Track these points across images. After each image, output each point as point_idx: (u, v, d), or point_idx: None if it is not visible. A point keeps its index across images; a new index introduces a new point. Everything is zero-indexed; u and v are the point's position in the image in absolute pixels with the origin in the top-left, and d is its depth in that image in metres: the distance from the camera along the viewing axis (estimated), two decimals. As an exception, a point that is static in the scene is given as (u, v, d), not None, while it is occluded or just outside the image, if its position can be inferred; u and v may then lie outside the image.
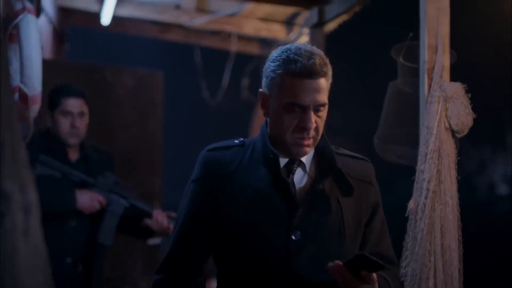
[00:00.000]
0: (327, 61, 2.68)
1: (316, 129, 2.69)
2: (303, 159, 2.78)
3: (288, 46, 2.70)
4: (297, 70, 2.60)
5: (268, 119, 2.77)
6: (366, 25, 7.94)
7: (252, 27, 7.82)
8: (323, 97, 2.66)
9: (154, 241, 6.22)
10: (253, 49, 8.45)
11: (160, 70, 6.49)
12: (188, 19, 7.50)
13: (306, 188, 2.75)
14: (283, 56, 2.65)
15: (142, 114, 6.49)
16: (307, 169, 2.78)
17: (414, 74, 4.63)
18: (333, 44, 7.04)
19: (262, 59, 8.47)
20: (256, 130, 7.40)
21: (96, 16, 7.22)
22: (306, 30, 7.20)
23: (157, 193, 6.52)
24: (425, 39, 4.43)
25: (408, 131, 4.75)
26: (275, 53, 2.71)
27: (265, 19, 7.86)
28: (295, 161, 2.76)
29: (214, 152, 2.81)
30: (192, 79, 8.12)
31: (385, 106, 4.85)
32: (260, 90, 2.77)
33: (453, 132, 4.27)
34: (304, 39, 7.47)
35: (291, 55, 2.63)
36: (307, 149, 2.71)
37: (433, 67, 4.36)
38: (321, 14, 6.78)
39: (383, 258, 2.79)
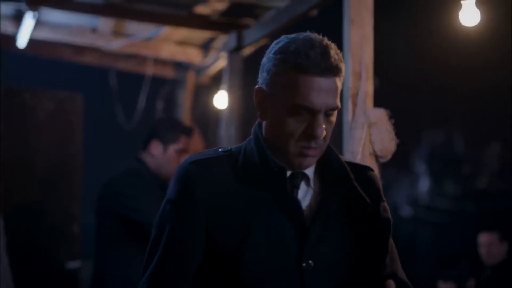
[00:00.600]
0: (341, 56, 2.25)
1: (325, 137, 2.24)
2: (307, 171, 2.30)
3: (295, 35, 2.25)
4: (308, 65, 2.15)
5: (264, 123, 2.30)
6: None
7: (168, 51, 7.81)
8: (337, 100, 2.22)
9: (73, 264, 6.12)
10: (168, 72, 8.45)
11: (79, 93, 6.44)
12: (105, 42, 7.44)
13: (312, 206, 2.28)
14: (291, 48, 2.18)
15: (62, 137, 6.45)
16: (311, 183, 2.32)
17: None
18: (251, 69, 7.09)
19: (176, 83, 8.49)
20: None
21: (12, 38, 7.08)
22: (223, 54, 7.24)
23: (76, 216, 6.47)
24: (349, 66, 4.51)
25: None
26: (278, 43, 2.25)
27: (181, 43, 7.87)
28: (298, 174, 2.29)
29: (198, 165, 2.25)
30: (107, 102, 8.05)
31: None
32: (257, 87, 2.29)
33: (376, 158, 4.36)
34: (221, 63, 7.51)
35: (301, 47, 2.17)
36: (312, 160, 2.26)
37: (357, 93, 4.45)
38: (239, 38, 6.83)
39: (401, 283, 2.40)
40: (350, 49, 4.49)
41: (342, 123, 4.56)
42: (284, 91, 2.19)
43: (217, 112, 7.77)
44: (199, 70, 8.29)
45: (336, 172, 2.32)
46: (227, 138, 7.15)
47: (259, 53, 7.01)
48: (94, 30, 7.39)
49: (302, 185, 2.31)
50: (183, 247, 2.21)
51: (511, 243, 8.05)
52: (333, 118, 2.26)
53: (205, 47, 7.95)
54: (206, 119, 8.63)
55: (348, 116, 4.48)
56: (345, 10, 4.55)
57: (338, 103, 2.23)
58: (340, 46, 4.58)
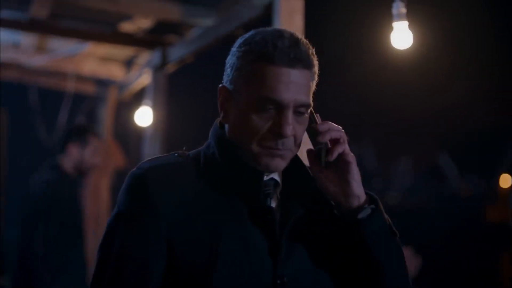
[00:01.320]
0: (314, 51, 2.00)
1: (295, 139, 1.96)
2: (276, 177, 2.03)
3: (262, 28, 2.02)
4: (275, 55, 1.90)
5: (227, 125, 2.04)
6: (211, 67, 8.13)
7: (90, 67, 7.80)
8: (307, 96, 1.96)
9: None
10: (90, 88, 8.43)
11: (3, 108, 6.37)
12: (27, 58, 7.38)
13: (279, 213, 2.01)
14: (256, 38, 1.95)
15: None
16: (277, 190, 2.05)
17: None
18: (175, 86, 7.18)
19: (98, 99, 8.47)
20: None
21: None
22: (147, 71, 7.28)
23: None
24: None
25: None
26: (243, 37, 2.03)
27: (104, 59, 7.87)
28: (269, 182, 2.02)
29: (155, 171, 1.94)
30: (29, 118, 7.97)
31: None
32: (220, 86, 2.03)
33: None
34: (144, 80, 7.54)
35: (268, 36, 1.93)
36: (281, 162, 1.96)
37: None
38: (164, 55, 6.89)
39: None
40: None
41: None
42: (248, 84, 1.94)
43: (139, 128, 7.77)
44: (121, 86, 8.30)
45: (298, 175, 2.05)
46: (151, 156, 7.17)
47: (184, 70, 7.12)
48: (16, 46, 7.33)
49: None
50: (141, 267, 1.88)
51: (423, 259, 8.22)
52: (304, 119, 1.98)
53: (128, 63, 7.96)
54: (128, 135, 8.62)
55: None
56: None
57: (310, 101, 1.97)
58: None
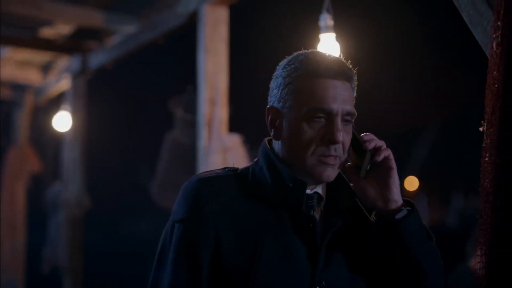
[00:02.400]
0: (351, 66, 2.17)
1: (343, 146, 2.10)
2: (319, 189, 2.17)
3: (300, 52, 2.18)
4: (320, 69, 2.08)
5: (277, 142, 2.16)
6: (132, 74, 8.14)
7: (7, 72, 7.70)
8: (352, 105, 2.12)
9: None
10: (5, 93, 8.33)
11: None
12: None
13: (321, 225, 2.15)
14: (300, 58, 2.12)
15: None
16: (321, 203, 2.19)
17: (192, 125, 4.92)
18: (95, 91, 7.19)
19: (14, 104, 8.38)
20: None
21: None
22: (66, 76, 7.25)
23: None
24: (204, 93, 4.72)
25: (184, 179, 5.00)
26: (284, 61, 2.16)
27: (21, 64, 7.79)
28: (313, 195, 2.14)
29: (207, 183, 2.11)
30: None
31: (163, 155, 5.09)
32: (268, 107, 2.16)
33: (231, 181, 4.57)
34: (63, 85, 7.50)
35: (310, 55, 2.12)
36: (333, 171, 2.10)
37: (212, 120, 4.67)
38: (84, 61, 6.89)
39: None
40: (206, 77, 4.70)
41: (197, 148, 4.77)
42: (298, 99, 2.08)
43: (57, 133, 7.73)
44: (38, 91, 8.23)
45: (338, 188, 2.19)
46: (72, 161, 7.15)
47: (105, 77, 7.13)
48: None
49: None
50: (195, 270, 2.06)
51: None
52: (350, 128, 2.12)
53: (45, 68, 7.90)
54: (45, 140, 8.56)
55: (203, 141, 4.68)
56: (200, 40, 4.76)
57: (354, 110, 2.12)
58: (194, 74, 4.85)
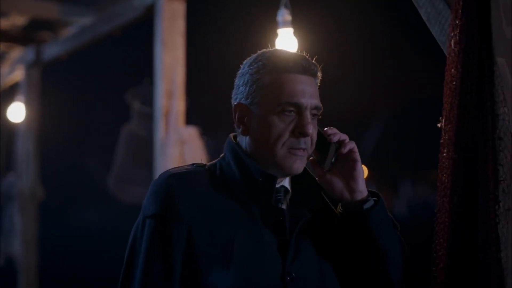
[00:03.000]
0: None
1: (312, 140, 2.16)
2: (286, 184, 2.22)
3: (264, 50, 2.23)
4: (289, 64, 2.14)
5: (245, 138, 2.19)
6: (88, 65, 8.09)
7: (-41, 62, 7.60)
8: (318, 100, 2.17)
9: None
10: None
11: None
12: None
13: (289, 218, 2.17)
14: (267, 55, 2.17)
15: None
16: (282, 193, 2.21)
17: (149, 118, 4.91)
18: (50, 83, 7.12)
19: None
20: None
21: None
22: (20, 66, 7.18)
23: None
24: (161, 86, 4.72)
25: (141, 171, 5.02)
26: (249, 59, 2.21)
27: (-26, 55, 7.69)
28: (280, 188, 2.18)
29: (178, 179, 2.12)
30: None
31: (120, 147, 5.07)
32: (235, 103, 2.20)
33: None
34: (18, 75, 7.42)
35: (276, 52, 2.18)
36: (301, 164, 2.15)
37: (169, 112, 4.67)
38: (38, 52, 6.82)
39: None
40: (162, 70, 4.69)
41: (154, 141, 4.76)
42: (268, 94, 2.13)
43: (10, 124, 7.65)
44: (-9, 82, 8.12)
45: (303, 181, 2.23)
46: (25, 152, 7.09)
47: (60, 68, 7.06)
48: None
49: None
50: (167, 265, 2.06)
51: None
52: (316, 122, 2.18)
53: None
54: (1, 131, 8.45)
55: (160, 134, 4.68)
56: (157, 33, 4.75)
57: (321, 104, 2.18)
58: (151, 67, 4.84)
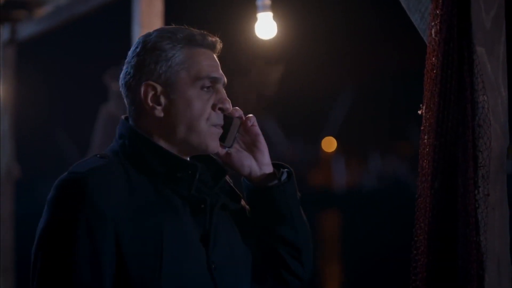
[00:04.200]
0: None
1: None
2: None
3: (163, 27, 2.17)
4: (198, 39, 2.08)
5: (153, 119, 2.05)
6: (65, 45, 8.07)
7: None
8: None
9: None
10: None
11: None
12: None
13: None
14: (173, 30, 2.09)
15: None
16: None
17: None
18: (26, 62, 7.09)
19: None
20: None
21: None
22: (-6, 45, 7.16)
23: None
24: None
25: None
26: (148, 36, 2.11)
27: None
28: (193, 168, 2.06)
29: (90, 174, 1.93)
30: None
31: (98, 128, 5.08)
32: (144, 83, 2.04)
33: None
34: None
35: (177, 29, 2.10)
36: (217, 143, 2.12)
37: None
38: (13, 31, 6.80)
39: None
40: (141, 51, 4.68)
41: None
42: (183, 71, 2.05)
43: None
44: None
45: (212, 164, 2.17)
46: (2, 131, 7.07)
47: (36, 47, 7.03)
48: None
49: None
50: (96, 269, 1.89)
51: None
52: None
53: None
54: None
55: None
56: (134, 14, 4.74)
57: None
58: (129, 47, 4.82)
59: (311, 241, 2.30)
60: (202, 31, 2.12)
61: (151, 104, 2.05)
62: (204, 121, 2.05)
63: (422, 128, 2.32)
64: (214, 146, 2.09)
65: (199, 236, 2.05)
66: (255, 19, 3.85)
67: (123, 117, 2.16)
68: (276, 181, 2.19)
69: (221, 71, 2.12)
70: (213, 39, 2.12)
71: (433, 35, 2.30)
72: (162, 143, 2.06)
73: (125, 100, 2.14)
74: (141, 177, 2.01)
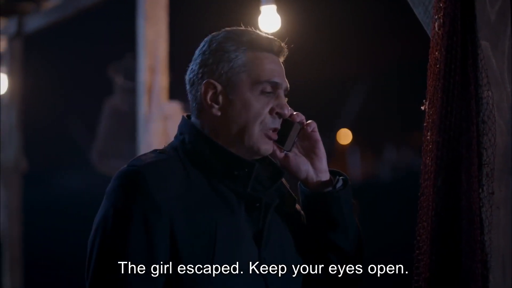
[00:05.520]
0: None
1: None
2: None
3: (233, 28, 2.17)
4: (266, 43, 2.11)
5: (213, 118, 2.08)
6: (71, 37, 8.04)
7: None
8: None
9: None
10: None
11: None
12: None
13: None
14: (240, 32, 2.12)
15: None
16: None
17: (132, 92, 4.89)
18: (33, 54, 7.07)
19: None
20: None
21: None
22: (3, 38, 7.12)
23: None
24: (143, 61, 4.69)
25: (124, 146, 5.01)
26: (217, 36, 2.12)
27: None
28: (251, 167, 2.07)
29: (149, 167, 1.98)
30: None
31: (103, 122, 5.06)
32: (205, 81, 2.08)
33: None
34: (1, 46, 7.35)
35: (250, 31, 2.13)
36: (271, 145, 2.12)
37: (152, 87, 4.65)
38: (20, 24, 6.77)
39: None
40: (145, 44, 4.66)
41: (137, 116, 4.75)
42: (246, 73, 2.07)
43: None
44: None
45: (270, 165, 2.18)
46: (8, 124, 7.05)
47: (43, 40, 7.00)
48: None
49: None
50: (151, 258, 1.94)
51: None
52: None
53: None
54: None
55: (143, 109, 4.66)
56: (139, 7, 4.71)
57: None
58: (134, 41, 4.79)
59: (364, 249, 2.29)
60: (268, 35, 2.14)
61: (209, 102, 2.08)
62: (258, 124, 2.08)
63: (425, 124, 2.26)
64: (265, 149, 2.11)
65: (252, 234, 2.07)
66: (259, 12, 3.80)
67: (185, 115, 2.19)
68: (331, 188, 2.19)
69: (284, 76, 2.14)
70: (279, 44, 2.14)
71: (436, 29, 2.24)
72: (220, 142, 2.09)
73: (188, 96, 2.17)
74: (198, 174, 2.06)
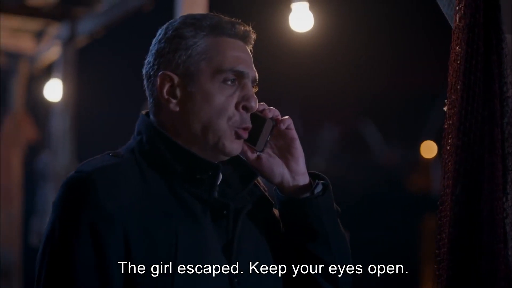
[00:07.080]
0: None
1: None
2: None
3: (189, 14, 1.96)
4: (228, 27, 1.87)
5: (170, 115, 1.87)
6: (121, 41, 8.07)
7: (2, 40, 7.60)
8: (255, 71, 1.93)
9: None
10: (0, 61, 8.29)
11: None
12: None
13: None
14: (197, 17, 1.90)
15: None
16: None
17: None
18: (86, 59, 7.10)
19: (9, 72, 8.33)
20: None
21: None
22: (57, 43, 7.17)
23: None
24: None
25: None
26: (174, 23, 1.90)
27: (14, 31, 7.69)
28: (215, 169, 1.85)
29: (99, 173, 1.77)
30: None
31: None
32: (161, 73, 1.86)
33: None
34: (55, 51, 7.40)
35: (207, 16, 1.90)
36: (239, 145, 1.90)
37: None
38: (73, 28, 6.79)
39: None
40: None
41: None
42: (205, 61, 1.85)
43: (47, 103, 7.69)
44: (32, 59, 8.17)
45: (241, 165, 1.97)
46: (61, 130, 7.07)
47: (95, 44, 7.01)
48: None
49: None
50: (104, 276, 1.74)
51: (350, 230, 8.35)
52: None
53: (39, 36, 7.82)
54: (40, 108, 8.51)
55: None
56: (177, 9, 4.64)
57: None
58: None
59: (350, 261, 2.03)
60: (232, 19, 1.91)
61: (166, 96, 1.86)
62: (225, 120, 1.84)
63: (445, 126, 2.08)
64: (232, 148, 1.87)
65: (221, 246, 1.86)
66: (289, 10, 3.63)
67: (143, 112, 1.96)
68: (308, 194, 1.96)
69: (251, 65, 1.90)
70: (244, 28, 1.90)
71: (457, 21, 2.05)
72: (181, 141, 1.85)
73: (146, 92, 1.95)
74: (157, 178, 1.83)
